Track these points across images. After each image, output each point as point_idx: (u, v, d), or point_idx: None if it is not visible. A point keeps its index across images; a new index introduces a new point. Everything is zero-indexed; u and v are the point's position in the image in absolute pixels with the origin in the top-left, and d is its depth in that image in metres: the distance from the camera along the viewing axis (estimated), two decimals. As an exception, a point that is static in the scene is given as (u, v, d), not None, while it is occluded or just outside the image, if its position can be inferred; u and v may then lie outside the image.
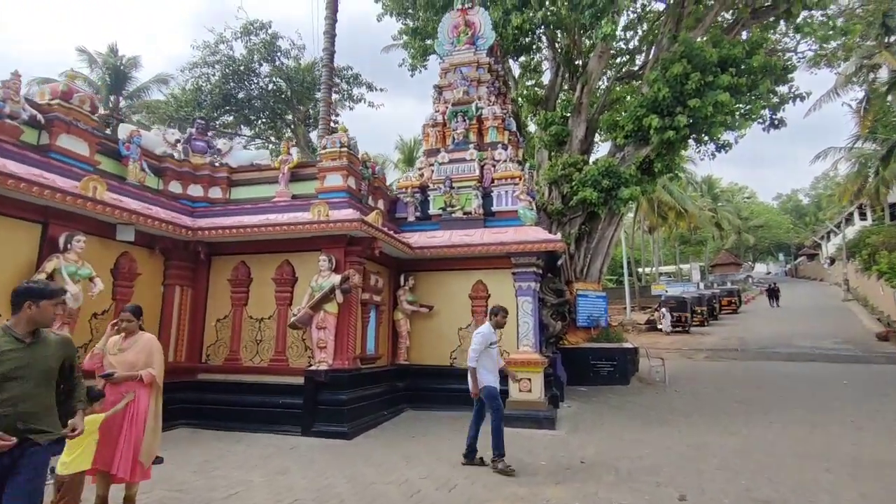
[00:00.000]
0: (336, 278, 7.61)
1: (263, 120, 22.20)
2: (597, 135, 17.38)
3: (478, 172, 10.76)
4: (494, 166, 10.88)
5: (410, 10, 18.75)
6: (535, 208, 10.35)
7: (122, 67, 27.04)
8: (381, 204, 10.05)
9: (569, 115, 14.56)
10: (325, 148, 8.58)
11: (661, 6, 17.84)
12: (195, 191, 9.06)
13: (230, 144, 9.44)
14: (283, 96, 20.82)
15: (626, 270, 27.40)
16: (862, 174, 38.39)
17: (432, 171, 11.15)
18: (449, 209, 10.53)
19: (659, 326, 25.56)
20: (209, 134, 9.45)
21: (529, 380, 8.20)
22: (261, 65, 19.49)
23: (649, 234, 53.32)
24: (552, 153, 15.37)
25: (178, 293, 8.54)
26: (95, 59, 26.62)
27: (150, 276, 8.15)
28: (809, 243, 70.46)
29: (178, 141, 8.93)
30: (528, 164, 11.30)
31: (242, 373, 8.36)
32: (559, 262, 9.73)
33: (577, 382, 12.50)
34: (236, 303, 8.64)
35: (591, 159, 15.65)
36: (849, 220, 49.71)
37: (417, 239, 10.13)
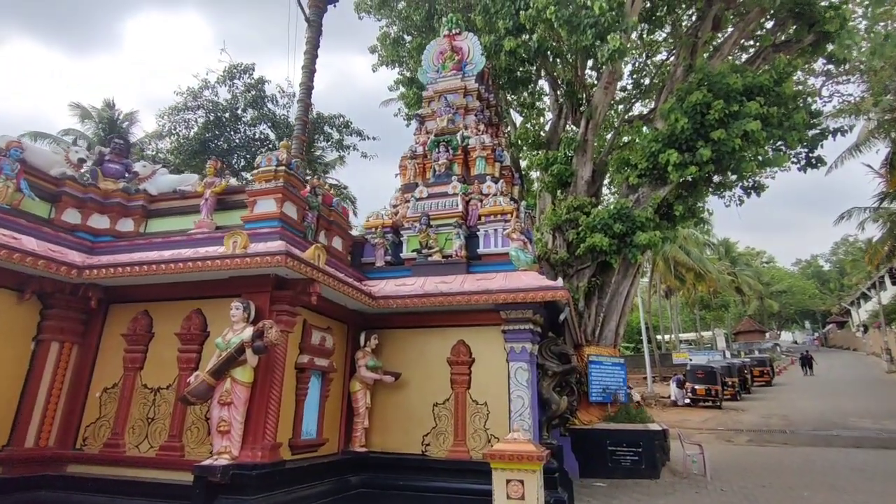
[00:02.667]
0: (248, 332, 5.51)
1: (252, 170, 20.93)
2: (606, 179, 15.64)
3: (461, 208, 8.86)
4: (482, 201, 8.99)
5: (405, 59, 17.88)
6: (531, 250, 8.33)
7: (117, 121, 26.57)
8: (337, 243, 8.11)
9: (572, 153, 12.87)
10: (258, 167, 6.78)
11: (663, 56, 16.74)
12: (99, 222, 7.21)
13: (151, 168, 7.71)
14: (271, 146, 19.67)
15: (644, 336, 24.69)
16: (893, 234, 36.14)
17: (408, 209, 9.29)
18: (424, 251, 8.54)
19: (672, 398, 22.88)
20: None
21: (521, 482, 5.78)
22: (245, 110, 18.49)
23: (666, 299, 50.62)
24: (555, 197, 13.54)
25: (55, 351, 6.47)
26: (90, 112, 26.19)
27: (14, 328, 6.13)
28: (837, 310, 66.77)
29: (81, 161, 7.21)
30: (524, 203, 9.42)
31: (124, 465, 6.07)
32: (562, 318, 7.56)
33: (592, 474, 9.86)
34: (129, 366, 6.51)
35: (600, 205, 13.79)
36: (880, 284, 46.68)
37: (383, 287, 8.07)
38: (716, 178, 12.91)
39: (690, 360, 29.95)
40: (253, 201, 6.67)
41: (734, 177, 12.30)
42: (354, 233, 9.34)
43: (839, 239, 75.33)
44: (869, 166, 35.21)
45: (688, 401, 22.49)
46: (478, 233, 8.69)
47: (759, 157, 10.82)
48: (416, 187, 9.53)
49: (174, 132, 18.06)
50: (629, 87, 16.69)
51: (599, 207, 11.83)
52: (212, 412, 5.52)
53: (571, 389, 7.72)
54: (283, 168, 6.66)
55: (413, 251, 8.74)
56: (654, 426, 10.35)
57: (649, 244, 10.82)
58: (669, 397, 23.93)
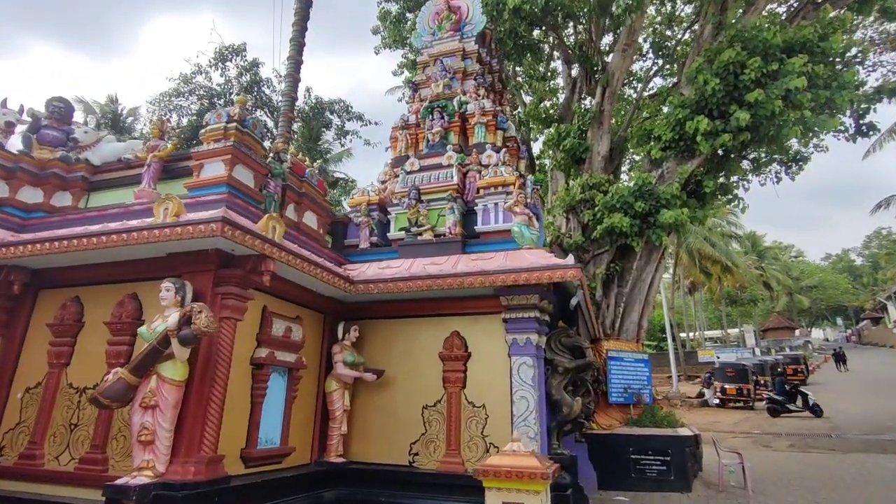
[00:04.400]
0: (173, 318, 4.43)
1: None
2: (625, 166, 14.29)
3: (456, 180, 7.69)
4: (480, 173, 7.80)
5: (408, 38, 16.80)
6: (538, 227, 7.11)
7: (120, 116, 26.11)
8: (310, 220, 7.00)
9: (587, 127, 11.57)
10: (207, 124, 5.71)
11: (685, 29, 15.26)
12: (32, 196, 6.23)
13: (95, 135, 6.71)
14: (267, 133, 18.72)
15: (668, 332, 23.16)
16: (936, 223, 33.83)
17: (397, 184, 8.15)
18: (413, 230, 7.39)
19: (714, 400, 21.13)
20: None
21: (521, 506, 4.60)
22: (239, 94, 17.54)
23: (690, 296, 48.65)
24: (569, 177, 12.26)
25: (-30, 346, 5.49)
26: (93, 108, 25.73)
27: (-84, 318, 5.16)
28: (871, 306, 63.61)
29: (10, 125, 6.24)
30: (531, 177, 8.19)
31: (41, 480, 5.05)
32: (574, 303, 6.34)
33: (613, 486, 8.57)
34: (54, 362, 5.49)
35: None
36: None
37: (364, 271, 6.95)
38: (751, 155, 11.54)
39: (717, 357, 28.26)
40: (199, 165, 5.60)
41: (772, 149, 10.89)
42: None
43: (871, 232, 72.23)
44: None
45: (717, 401, 20.93)
46: (476, 208, 7.52)
47: (805, 122, 9.38)
48: (407, 160, 8.39)
49: (160, 119, 17.21)
50: (649, 55, 15.26)
51: (619, 185, 10.52)
52: (132, 418, 4.45)
53: (587, 389, 6.49)
54: (234, 125, 5.56)
55: (401, 230, 7.61)
56: (684, 431, 9.02)
57: (676, 224, 9.50)
58: (700, 397, 22.39)
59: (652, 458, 8.66)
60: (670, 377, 24.28)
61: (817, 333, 72.00)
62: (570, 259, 5.90)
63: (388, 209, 7.97)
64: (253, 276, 5.11)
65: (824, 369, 37.64)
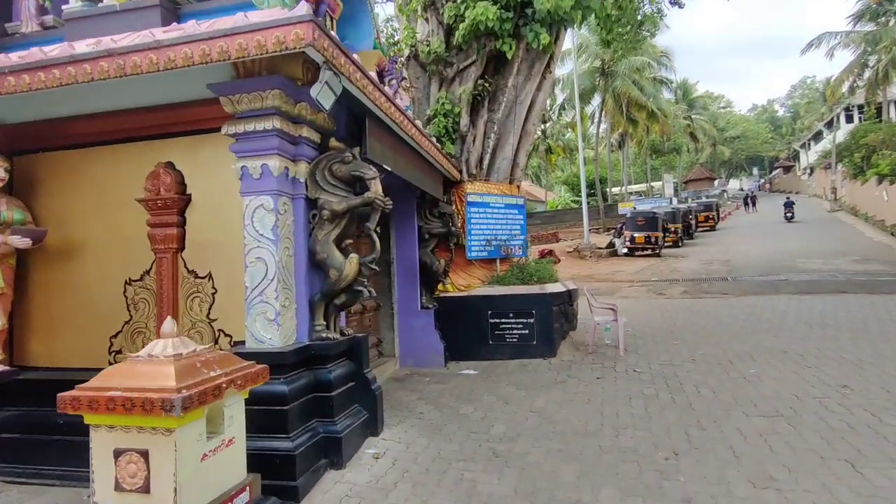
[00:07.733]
0: None
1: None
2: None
3: None
4: None
5: None
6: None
7: None
8: None
9: None
10: None
11: None
12: None
13: None
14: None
15: (583, 180, 21.62)
16: (860, 63, 32.97)
17: (87, -79, 4.77)
18: (90, -8, 4.31)
19: (623, 249, 20.57)
20: None
21: (144, 456, 2.48)
22: None
23: (619, 150, 47.84)
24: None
25: None
26: None
27: None
28: (786, 155, 66.10)
29: None
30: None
31: None
32: (316, 92, 3.67)
33: (466, 355, 7.04)
34: None
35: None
36: (829, 125, 44.50)
37: (-14, 60, 3.96)
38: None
39: (634, 208, 27.73)
40: None
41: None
42: None
43: (797, 81, 72.64)
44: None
45: (626, 250, 20.38)
46: (203, -46, 4.45)
47: None
48: None
49: None
50: None
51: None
52: None
53: (372, 241, 4.22)
54: None
55: (76, -4, 4.49)
56: (553, 287, 7.34)
57: (556, 14, 6.76)
58: (610, 247, 21.84)
59: (513, 321, 7.04)
60: (584, 230, 23.49)
61: (734, 184, 75.38)
62: (301, 8, 3.17)
63: (71, -33, 4.71)
64: None
65: (735, 216, 39.07)
